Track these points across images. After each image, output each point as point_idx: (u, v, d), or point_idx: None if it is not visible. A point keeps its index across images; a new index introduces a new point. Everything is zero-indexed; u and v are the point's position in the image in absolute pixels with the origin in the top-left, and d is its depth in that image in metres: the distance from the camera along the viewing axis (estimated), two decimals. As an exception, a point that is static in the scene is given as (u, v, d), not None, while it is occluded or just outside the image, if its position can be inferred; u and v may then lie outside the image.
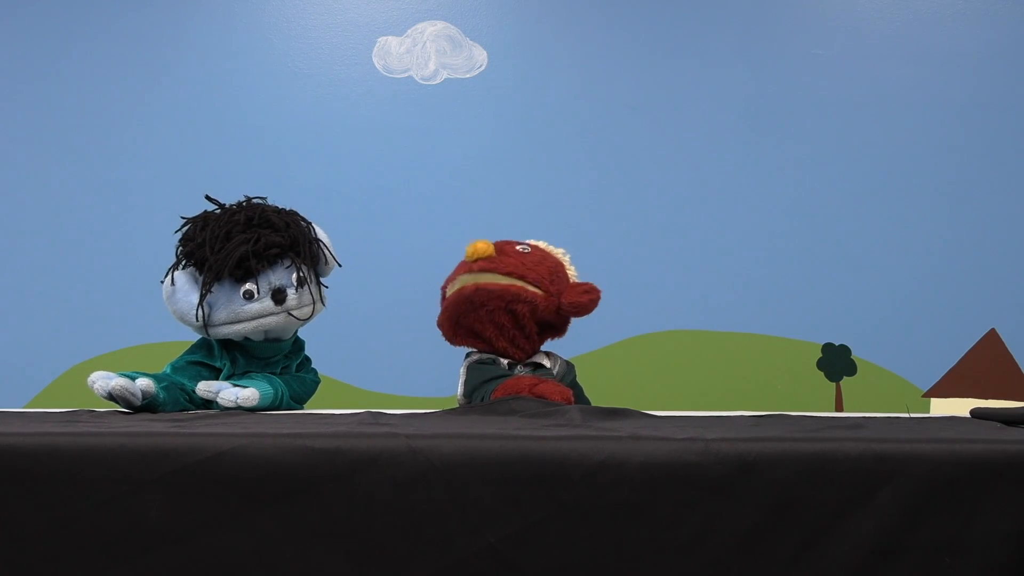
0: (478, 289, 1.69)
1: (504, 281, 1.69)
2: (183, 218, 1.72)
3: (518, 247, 1.75)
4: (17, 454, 1.03)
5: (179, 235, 1.71)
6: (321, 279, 1.77)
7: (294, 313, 1.69)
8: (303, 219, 1.76)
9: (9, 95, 2.89)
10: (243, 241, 1.66)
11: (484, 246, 1.71)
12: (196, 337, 1.76)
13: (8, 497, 1.02)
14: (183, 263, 1.70)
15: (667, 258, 2.85)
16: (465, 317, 1.73)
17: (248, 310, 1.66)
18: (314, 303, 1.72)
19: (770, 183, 2.86)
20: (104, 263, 2.84)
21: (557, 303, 1.73)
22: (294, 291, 1.68)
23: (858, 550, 1.01)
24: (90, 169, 2.87)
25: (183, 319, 1.69)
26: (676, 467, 1.03)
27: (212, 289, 1.65)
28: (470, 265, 1.72)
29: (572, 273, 1.80)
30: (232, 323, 1.67)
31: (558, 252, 1.82)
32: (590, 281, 1.79)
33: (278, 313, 1.67)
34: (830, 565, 1.01)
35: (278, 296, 1.67)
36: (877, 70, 2.88)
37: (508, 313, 1.70)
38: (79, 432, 1.09)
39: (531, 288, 1.70)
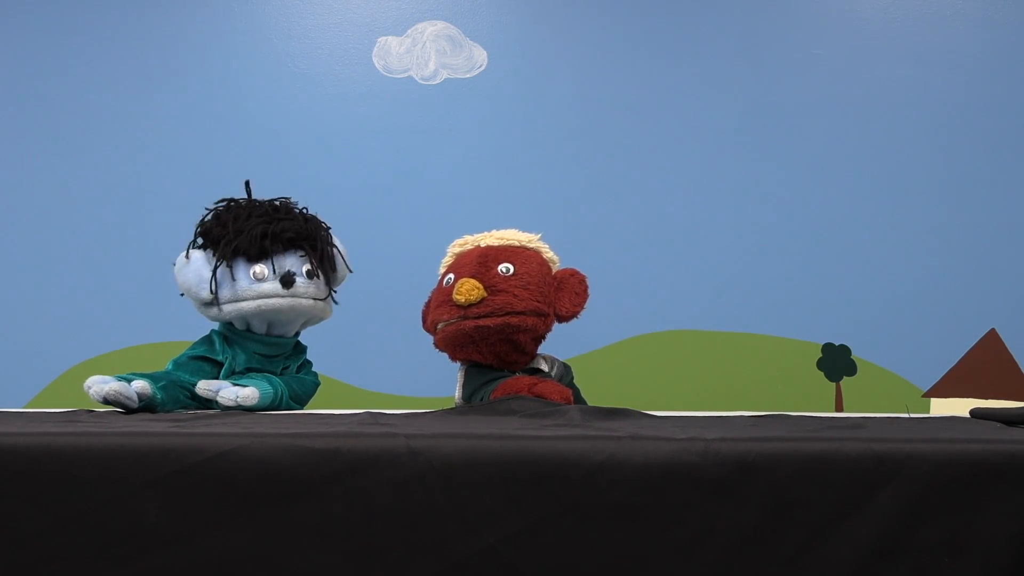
0: (478, 328, 1.67)
1: (501, 320, 1.67)
2: (216, 203, 1.74)
3: (500, 268, 1.71)
4: (17, 454, 1.03)
5: (195, 223, 1.74)
6: (333, 287, 1.79)
7: (300, 301, 1.70)
8: (324, 224, 1.78)
9: (9, 96, 2.89)
10: (262, 222, 1.69)
11: (475, 291, 1.67)
12: (197, 337, 1.76)
13: (8, 497, 1.02)
14: (199, 240, 1.72)
15: (667, 258, 2.84)
16: (463, 349, 1.73)
17: (255, 289, 1.68)
18: (322, 300, 1.74)
19: (770, 183, 2.86)
20: (104, 263, 2.84)
21: (553, 319, 1.74)
22: (304, 280, 1.70)
23: (858, 550, 1.01)
24: (90, 169, 2.87)
25: (190, 292, 1.71)
26: (676, 467, 1.03)
27: (229, 264, 1.67)
28: (464, 310, 1.68)
29: (549, 256, 1.80)
30: (237, 301, 1.68)
31: (531, 240, 1.79)
32: (581, 272, 1.79)
33: (284, 296, 1.69)
34: (830, 565, 1.01)
35: (287, 280, 1.69)
36: (877, 70, 2.88)
37: (508, 343, 1.70)
38: (79, 432, 1.08)
39: (528, 317, 1.69)
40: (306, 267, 1.72)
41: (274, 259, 1.70)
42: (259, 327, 1.72)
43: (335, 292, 1.81)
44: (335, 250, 1.80)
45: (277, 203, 1.77)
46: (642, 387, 2.80)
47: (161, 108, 2.88)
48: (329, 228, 1.80)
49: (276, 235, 1.70)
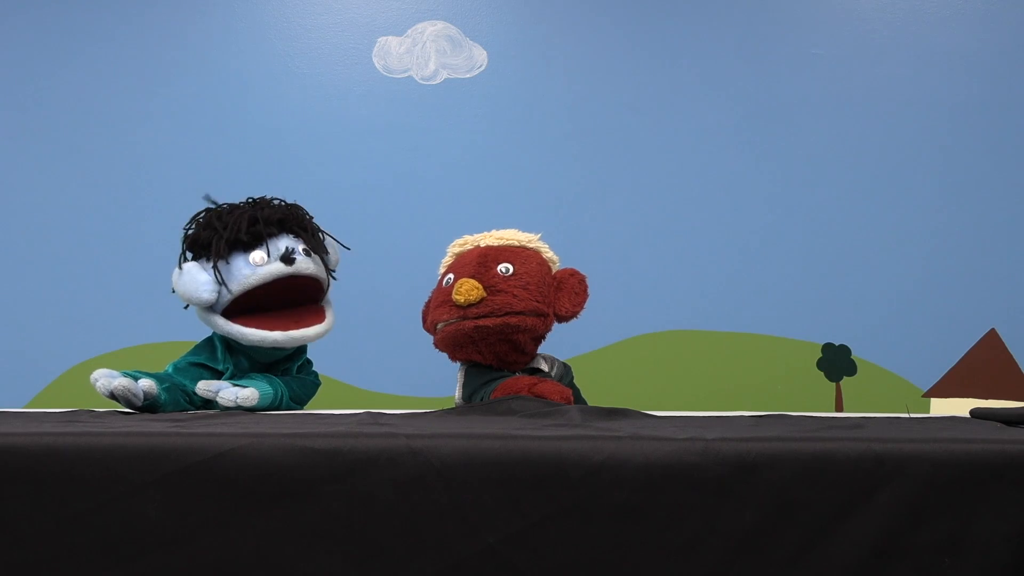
0: (477, 328, 1.67)
1: (500, 320, 1.68)
2: (194, 215, 1.74)
3: (500, 268, 1.71)
4: (17, 454, 1.03)
5: (183, 233, 1.74)
6: (332, 271, 1.79)
7: (304, 273, 1.70)
8: (306, 212, 1.79)
9: (9, 96, 2.89)
10: (248, 211, 1.70)
11: (474, 291, 1.67)
12: (197, 337, 1.76)
13: (8, 497, 1.02)
14: (188, 250, 1.72)
15: (667, 258, 2.85)
16: (463, 349, 1.73)
17: (259, 272, 1.67)
18: (323, 279, 1.74)
19: (770, 183, 2.86)
20: (104, 263, 2.84)
21: (552, 319, 1.74)
22: (302, 256, 1.70)
23: (858, 550, 1.01)
24: (89, 169, 2.87)
25: (191, 298, 1.69)
26: (676, 467, 1.03)
27: (227, 260, 1.67)
28: (464, 311, 1.68)
29: (549, 256, 1.80)
30: (244, 289, 1.67)
31: (531, 240, 1.79)
32: (581, 272, 1.79)
33: (287, 276, 1.68)
34: (830, 566, 1.01)
35: (287, 257, 1.68)
36: (877, 70, 2.88)
37: (507, 343, 1.70)
38: (79, 432, 1.08)
39: (528, 318, 1.69)
40: (302, 246, 1.72)
41: (269, 243, 1.69)
42: None
43: (334, 274, 1.81)
44: (324, 234, 1.80)
45: (255, 198, 1.77)
46: (642, 387, 2.80)
47: (161, 108, 2.88)
48: (312, 217, 1.80)
49: (265, 219, 1.70)
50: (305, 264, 1.71)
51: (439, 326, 1.72)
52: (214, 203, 1.76)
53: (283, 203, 1.77)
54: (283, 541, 1.02)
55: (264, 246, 1.69)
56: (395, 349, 2.71)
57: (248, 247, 1.69)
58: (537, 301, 1.70)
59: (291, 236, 1.73)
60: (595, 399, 1.73)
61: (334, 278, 1.80)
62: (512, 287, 1.68)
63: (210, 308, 1.70)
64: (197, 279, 1.68)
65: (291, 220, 1.74)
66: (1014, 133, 2.85)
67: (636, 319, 2.83)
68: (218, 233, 1.68)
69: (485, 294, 1.67)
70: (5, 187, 2.87)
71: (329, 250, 1.79)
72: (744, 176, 2.86)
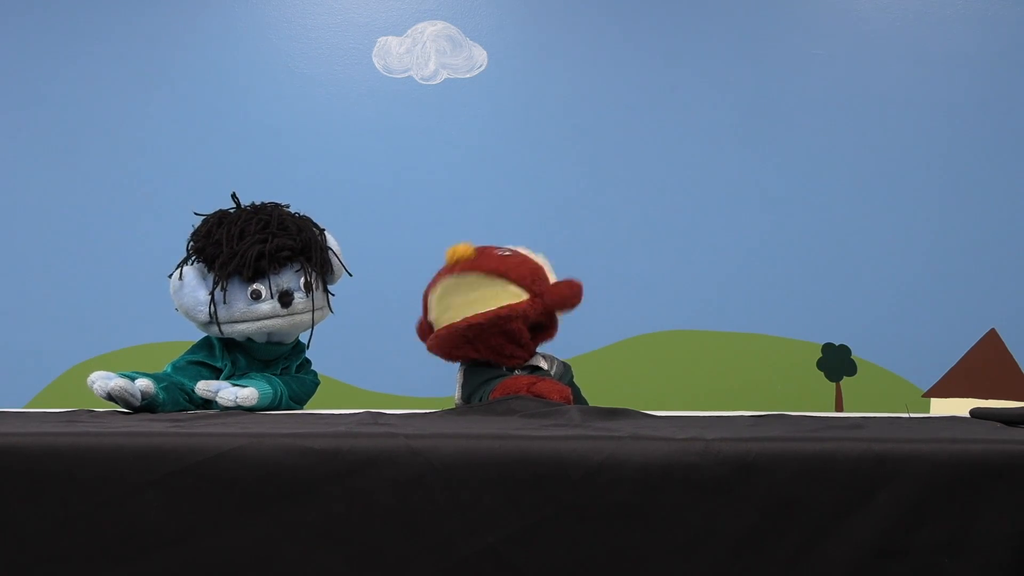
0: (470, 326, 1.67)
1: (491, 296, 1.68)
2: (197, 214, 1.73)
3: (497, 251, 1.74)
4: (17, 454, 1.03)
5: (191, 231, 1.73)
6: (329, 287, 1.78)
7: (299, 318, 1.69)
8: (316, 226, 1.77)
9: (10, 96, 2.89)
10: (256, 241, 1.67)
11: (464, 248, 1.70)
12: (197, 337, 1.76)
13: (8, 497, 1.02)
14: (192, 258, 1.70)
15: (667, 258, 2.85)
16: (458, 349, 1.73)
17: (254, 310, 1.66)
18: (320, 309, 1.73)
19: (770, 183, 2.86)
20: (104, 263, 2.84)
21: (542, 303, 1.73)
22: (301, 295, 1.69)
23: (858, 551, 1.01)
24: (90, 169, 2.87)
25: (188, 314, 1.70)
26: (676, 467, 1.03)
27: (225, 286, 1.66)
28: (451, 267, 1.70)
29: (553, 279, 1.80)
30: (236, 322, 1.67)
31: (539, 257, 1.81)
32: (582, 281, 1.79)
33: (283, 316, 1.68)
34: (830, 566, 1.01)
35: (285, 299, 1.67)
36: (877, 70, 2.88)
37: (503, 335, 1.70)
38: (79, 432, 1.08)
39: (515, 290, 1.69)
40: (303, 280, 1.70)
41: (271, 277, 1.68)
42: (259, 338, 1.72)
43: (332, 294, 1.79)
44: (330, 252, 1.78)
45: (269, 210, 1.73)
46: (642, 387, 2.80)
47: (162, 108, 2.88)
48: (324, 230, 1.78)
49: (272, 254, 1.67)
50: (303, 304, 1.69)
51: (436, 328, 1.73)
52: (236, 201, 1.74)
53: (295, 221, 1.73)
54: (283, 541, 1.02)
55: (265, 279, 1.68)
56: (395, 349, 2.69)
57: (250, 277, 1.67)
58: (526, 278, 1.70)
59: (296, 267, 1.70)
60: (595, 399, 1.73)
61: (332, 294, 1.79)
62: (505, 261, 1.71)
63: None
64: (197, 297, 1.67)
65: (298, 253, 1.70)
66: (1014, 133, 2.86)
67: (636, 319, 2.83)
68: (221, 260, 1.67)
69: (475, 256, 1.69)
70: (5, 187, 2.87)
71: (333, 267, 1.78)
72: (744, 176, 2.86)
